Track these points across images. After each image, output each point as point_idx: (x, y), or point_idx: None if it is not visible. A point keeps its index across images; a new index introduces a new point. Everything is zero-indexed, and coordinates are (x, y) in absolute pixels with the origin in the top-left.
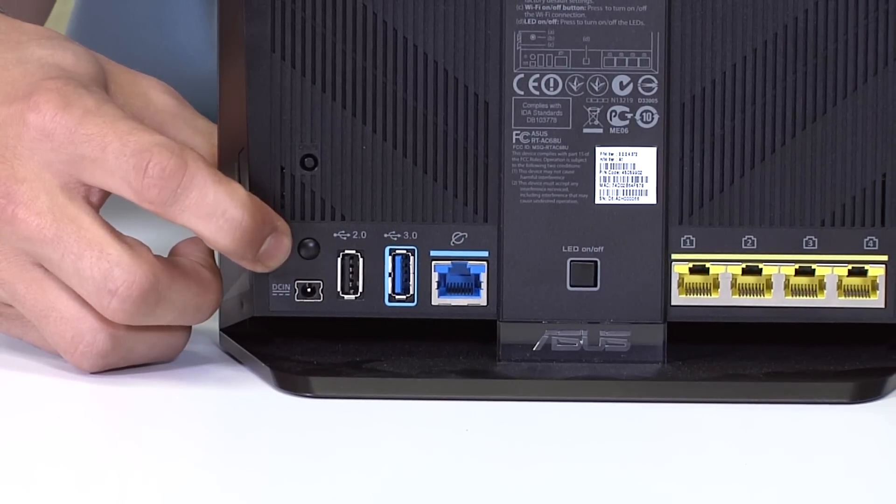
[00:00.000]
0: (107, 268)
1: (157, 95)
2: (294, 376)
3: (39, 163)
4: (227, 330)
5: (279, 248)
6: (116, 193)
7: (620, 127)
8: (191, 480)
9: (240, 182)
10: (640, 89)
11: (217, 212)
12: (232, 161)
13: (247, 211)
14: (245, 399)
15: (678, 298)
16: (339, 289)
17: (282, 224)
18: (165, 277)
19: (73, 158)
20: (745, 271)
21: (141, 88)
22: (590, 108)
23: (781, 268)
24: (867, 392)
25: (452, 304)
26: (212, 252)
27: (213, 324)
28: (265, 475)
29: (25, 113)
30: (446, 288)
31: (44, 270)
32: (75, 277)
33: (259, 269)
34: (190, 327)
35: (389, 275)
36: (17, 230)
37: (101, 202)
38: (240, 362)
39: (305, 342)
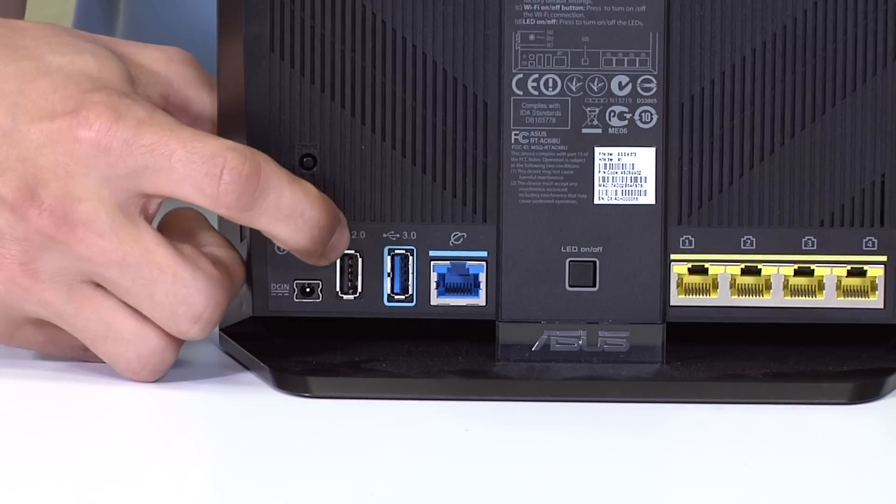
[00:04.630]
0: (181, 295)
1: (176, 69)
2: (292, 376)
3: (96, 180)
4: (227, 330)
5: (342, 240)
6: (185, 201)
7: (619, 127)
8: (190, 480)
9: None
10: (638, 89)
11: (295, 213)
12: None
13: (322, 209)
14: (244, 399)
15: (677, 299)
16: (338, 289)
17: (342, 216)
18: (231, 285)
19: (134, 171)
20: (745, 272)
21: (159, 66)
22: (589, 109)
23: (780, 268)
24: (865, 393)
25: (451, 304)
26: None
27: None
28: (265, 475)
29: (75, 129)
30: (445, 288)
31: (94, 288)
32: (147, 301)
33: (322, 263)
34: None
35: (388, 275)
36: (76, 251)
37: (154, 214)
38: (239, 362)
39: (304, 342)
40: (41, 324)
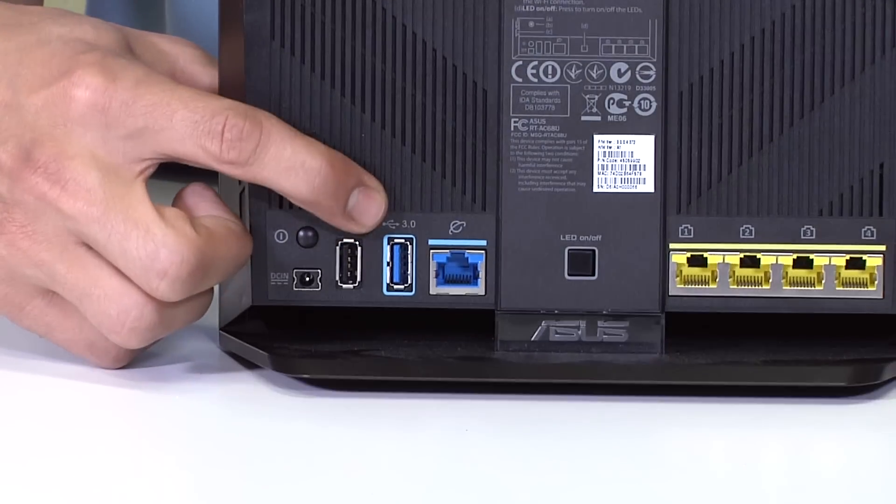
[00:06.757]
0: (153, 248)
1: (182, 49)
2: (290, 358)
3: (93, 139)
4: (227, 329)
5: (370, 203)
6: (186, 160)
7: (618, 115)
8: (189, 480)
9: None
10: (638, 77)
11: (296, 164)
12: None
13: (325, 159)
14: (244, 400)
15: (676, 288)
16: (337, 278)
17: (371, 180)
18: (209, 249)
19: (134, 132)
20: (743, 261)
21: (163, 47)
22: (588, 96)
23: (779, 258)
24: (864, 376)
25: (451, 293)
26: (219, 197)
27: (213, 322)
28: (263, 476)
29: (69, 90)
30: (444, 277)
31: (86, 249)
32: (122, 258)
33: (353, 227)
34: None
35: (388, 264)
36: (64, 209)
37: (151, 172)
38: (239, 361)
39: (304, 335)
40: (49, 299)
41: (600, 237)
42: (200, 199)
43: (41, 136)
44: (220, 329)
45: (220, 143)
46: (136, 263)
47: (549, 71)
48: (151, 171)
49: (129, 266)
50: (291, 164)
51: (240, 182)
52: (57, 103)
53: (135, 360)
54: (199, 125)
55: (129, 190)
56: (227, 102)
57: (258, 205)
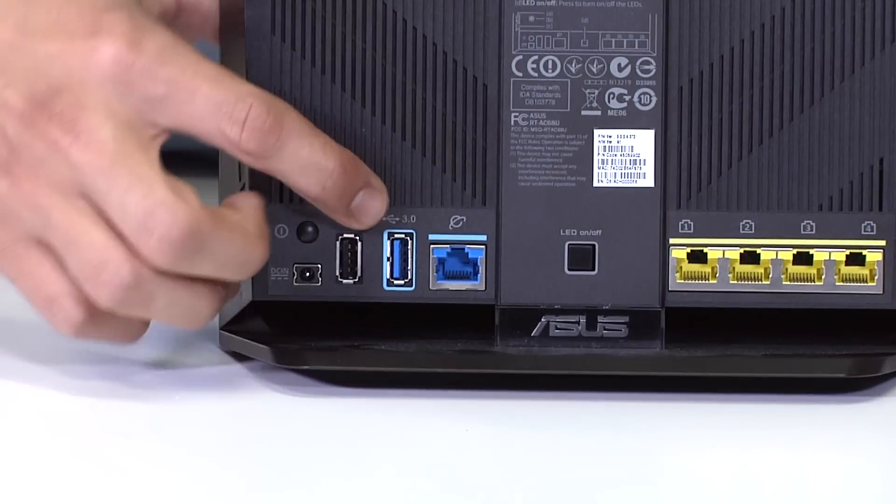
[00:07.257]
0: (150, 205)
1: None
2: (290, 351)
3: (110, 95)
4: (227, 328)
5: (373, 204)
6: (201, 137)
7: (618, 109)
8: (191, 480)
9: (238, 167)
10: (638, 71)
11: (311, 164)
12: None
13: (339, 162)
14: (245, 399)
15: (676, 283)
16: (337, 273)
17: (376, 182)
18: (208, 225)
19: (154, 97)
20: (743, 256)
21: None
22: (588, 91)
23: (779, 253)
24: (864, 368)
25: (450, 288)
26: (263, 209)
27: (213, 322)
28: (264, 475)
29: (95, 49)
30: (444, 272)
31: (86, 202)
32: (119, 210)
33: (354, 224)
34: (222, 296)
35: (388, 259)
36: (73, 158)
37: (164, 140)
38: (240, 361)
39: (304, 331)
40: (32, 246)
41: (600, 232)
42: (240, 199)
43: (57, 84)
44: (221, 328)
45: (240, 130)
46: (131, 217)
47: (550, 65)
48: (164, 138)
49: (124, 218)
50: (306, 164)
51: (240, 178)
52: (77, 56)
53: (134, 361)
54: (221, 107)
55: (141, 148)
56: (251, 88)
57: None
